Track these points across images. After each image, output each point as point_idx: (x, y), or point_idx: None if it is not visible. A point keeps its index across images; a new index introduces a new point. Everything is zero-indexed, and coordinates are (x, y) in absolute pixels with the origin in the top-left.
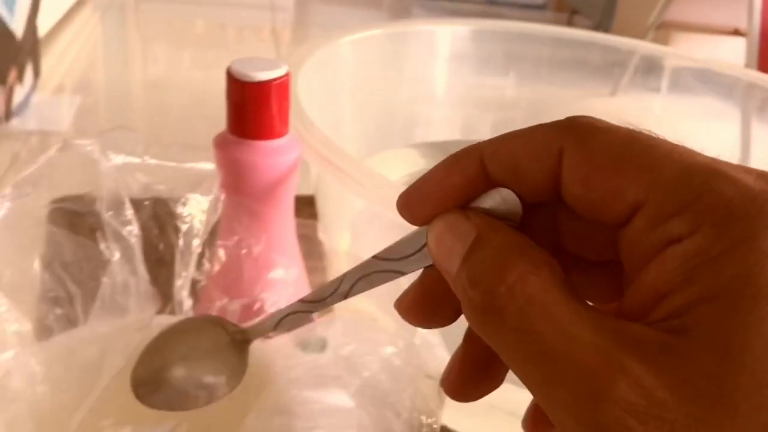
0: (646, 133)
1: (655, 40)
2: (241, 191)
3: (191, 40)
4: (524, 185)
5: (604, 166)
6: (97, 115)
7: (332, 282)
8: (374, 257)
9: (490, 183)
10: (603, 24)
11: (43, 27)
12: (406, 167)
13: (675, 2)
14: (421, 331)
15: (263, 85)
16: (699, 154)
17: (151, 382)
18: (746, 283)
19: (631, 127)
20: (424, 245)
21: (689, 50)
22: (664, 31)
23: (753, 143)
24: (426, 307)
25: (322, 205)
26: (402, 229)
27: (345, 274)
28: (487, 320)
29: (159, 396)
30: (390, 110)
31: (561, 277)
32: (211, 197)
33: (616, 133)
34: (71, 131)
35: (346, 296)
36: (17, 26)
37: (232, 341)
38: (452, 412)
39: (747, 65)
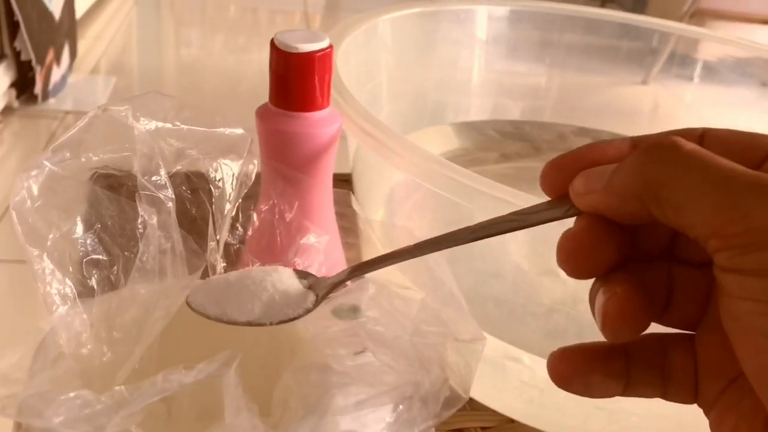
0: None
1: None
2: (282, 161)
3: (223, 24)
4: None
5: None
6: (133, 95)
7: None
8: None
9: None
10: (636, 11)
11: (79, 9)
12: (440, 146)
13: None
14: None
15: (307, 56)
16: None
17: (209, 294)
18: None
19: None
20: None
21: (724, 38)
22: (698, 18)
23: None
24: (583, 251)
25: (358, 182)
26: (437, 200)
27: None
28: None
29: (213, 308)
30: (423, 90)
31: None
32: (241, 162)
33: None
34: None
35: (473, 239)
36: (55, 8)
37: (301, 285)
38: (480, 387)
39: None
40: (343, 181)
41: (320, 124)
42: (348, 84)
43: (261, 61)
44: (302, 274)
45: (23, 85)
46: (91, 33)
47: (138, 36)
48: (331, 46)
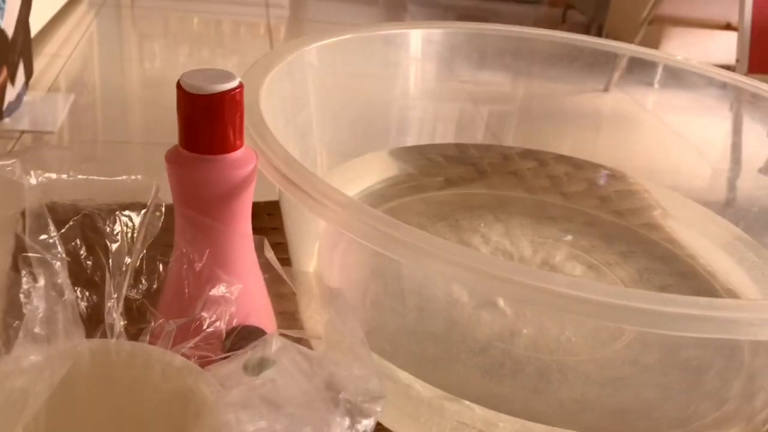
0: None
1: (648, 34)
2: (193, 207)
3: (187, 36)
4: None
5: None
6: (94, 113)
7: None
8: None
9: None
10: (597, 18)
11: (35, 26)
12: (382, 173)
13: None
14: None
15: (214, 98)
16: None
17: None
18: None
19: None
20: None
21: (682, 44)
22: (657, 25)
23: (744, 138)
24: None
25: (286, 219)
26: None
27: None
28: None
29: None
30: (362, 116)
31: None
32: (144, 211)
33: None
34: (66, 129)
35: None
36: (7, 25)
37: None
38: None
39: (738, 59)
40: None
41: (231, 166)
42: (272, 118)
43: None
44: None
45: None
46: (49, 50)
47: (99, 51)
48: (240, 86)
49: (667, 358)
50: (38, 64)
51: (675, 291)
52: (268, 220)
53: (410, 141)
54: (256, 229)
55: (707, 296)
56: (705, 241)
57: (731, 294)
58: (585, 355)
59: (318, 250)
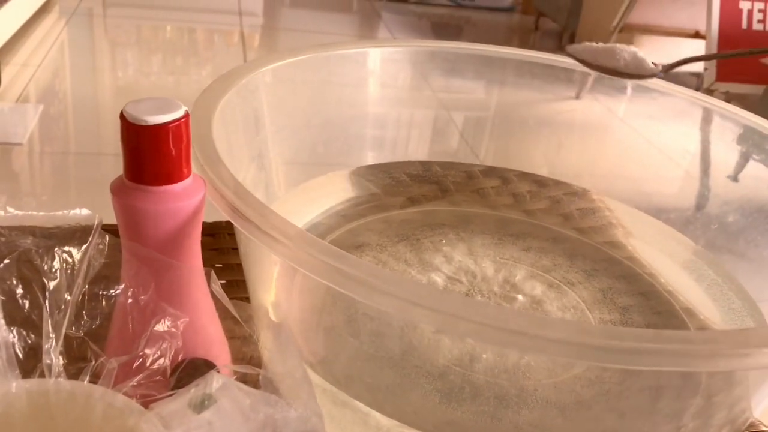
0: None
1: (619, 42)
2: (138, 239)
3: (160, 44)
4: None
5: None
6: (65, 123)
7: None
8: None
9: None
10: (569, 26)
11: (4, 34)
12: (346, 192)
13: (638, 6)
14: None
15: (158, 129)
16: None
17: None
18: None
19: None
20: None
21: (652, 51)
22: (627, 33)
23: (713, 144)
24: None
25: (241, 246)
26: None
27: None
28: None
29: None
30: (327, 134)
31: None
32: (86, 246)
33: None
34: (35, 141)
35: None
36: None
37: None
38: None
39: (706, 68)
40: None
41: (176, 197)
42: (226, 143)
43: (200, 81)
44: None
45: None
46: (18, 59)
47: (70, 60)
48: (186, 115)
49: (626, 382)
50: (7, 74)
51: (636, 311)
52: (230, 240)
53: (373, 159)
54: (217, 249)
55: (667, 316)
56: (665, 259)
57: (690, 313)
58: (544, 379)
59: (276, 276)
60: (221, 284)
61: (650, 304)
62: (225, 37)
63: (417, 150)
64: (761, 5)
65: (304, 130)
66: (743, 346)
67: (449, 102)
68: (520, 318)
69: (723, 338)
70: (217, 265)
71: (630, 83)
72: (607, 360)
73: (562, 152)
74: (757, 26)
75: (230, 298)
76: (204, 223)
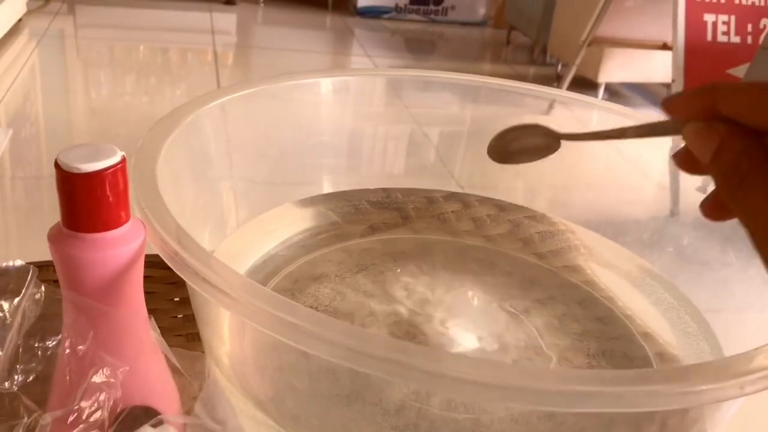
0: None
1: (589, 55)
2: (78, 286)
3: (134, 65)
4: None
5: None
6: (37, 147)
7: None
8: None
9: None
10: (540, 40)
11: None
12: (305, 222)
13: (607, 19)
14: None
15: (93, 176)
16: None
17: None
18: None
19: None
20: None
21: (622, 64)
22: (597, 46)
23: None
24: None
25: (191, 289)
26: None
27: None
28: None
29: None
30: (282, 165)
31: None
32: (19, 298)
33: None
34: (7, 166)
35: None
36: None
37: None
38: None
39: (674, 79)
40: None
41: (114, 243)
42: (172, 182)
43: (175, 100)
44: None
45: None
46: None
47: (41, 82)
48: (122, 160)
49: (581, 414)
50: None
51: (593, 337)
52: None
53: (333, 187)
54: (175, 283)
55: (625, 341)
56: (623, 282)
57: (648, 338)
58: (501, 412)
59: (225, 317)
60: (179, 317)
61: (607, 330)
62: (198, 56)
63: (379, 175)
64: (725, 17)
65: (260, 161)
66: (682, 384)
67: (419, 122)
68: (465, 364)
69: (658, 377)
70: (175, 299)
71: (602, 90)
72: (546, 404)
73: (520, 174)
74: (721, 38)
75: (188, 333)
76: (159, 256)
